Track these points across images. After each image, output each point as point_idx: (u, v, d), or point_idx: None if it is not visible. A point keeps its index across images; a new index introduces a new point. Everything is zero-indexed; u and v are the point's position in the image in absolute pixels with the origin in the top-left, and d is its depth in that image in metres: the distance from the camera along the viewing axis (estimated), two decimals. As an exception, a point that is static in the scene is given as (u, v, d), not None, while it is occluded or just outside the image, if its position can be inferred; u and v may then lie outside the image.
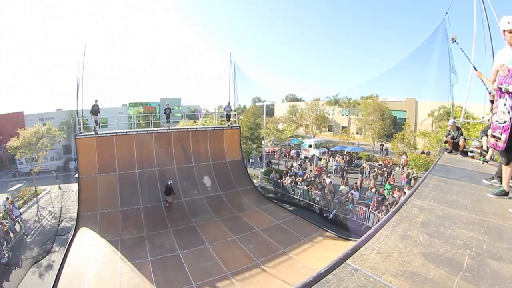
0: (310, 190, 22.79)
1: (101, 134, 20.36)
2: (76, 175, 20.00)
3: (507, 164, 4.88)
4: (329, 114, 58.32)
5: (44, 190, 29.91)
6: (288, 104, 64.42)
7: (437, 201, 4.73)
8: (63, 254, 13.86)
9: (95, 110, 19.59)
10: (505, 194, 4.91)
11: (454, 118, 14.92)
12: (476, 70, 7.35)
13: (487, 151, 8.54)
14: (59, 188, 30.45)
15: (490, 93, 6.89)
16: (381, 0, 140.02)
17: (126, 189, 18.81)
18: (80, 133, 19.84)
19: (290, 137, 41.26)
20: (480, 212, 4.30)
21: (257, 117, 47.64)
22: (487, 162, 8.27)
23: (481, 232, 3.54)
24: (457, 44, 8.29)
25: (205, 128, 25.18)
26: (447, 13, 12.91)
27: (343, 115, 57.86)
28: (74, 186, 25.41)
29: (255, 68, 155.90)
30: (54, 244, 18.29)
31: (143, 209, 18.13)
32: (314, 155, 36.72)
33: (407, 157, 29.80)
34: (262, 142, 37.00)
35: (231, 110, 25.44)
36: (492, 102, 7.51)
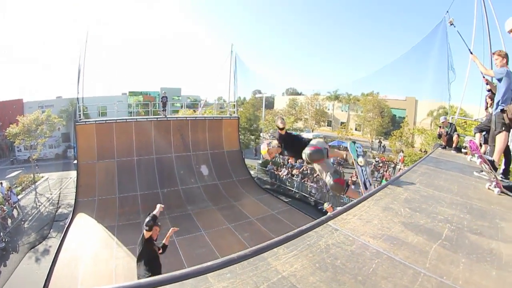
0: (305, 182, 22.97)
1: (101, 120, 20.51)
2: (75, 162, 20.09)
3: None
4: (328, 109, 58.33)
5: (43, 177, 29.94)
6: (288, 98, 64.32)
7: (423, 184, 4.83)
8: (60, 239, 14.03)
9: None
10: None
11: (446, 114, 15.13)
12: (471, 53, 7.59)
13: (480, 147, 8.68)
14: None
15: (484, 77, 7.27)
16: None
17: (124, 175, 18.95)
18: (80, 119, 19.89)
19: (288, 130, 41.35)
20: (465, 196, 4.38)
21: (257, 109, 47.70)
22: None
23: (463, 211, 3.64)
24: (454, 27, 8.45)
25: (204, 117, 25.29)
26: (447, 11, 13.01)
27: (342, 110, 57.83)
28: (73, 173, 25.47)
29: (256, 61, 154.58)
30: (51, 230, 18.47)
31: (140, 195, 18.26)
32: (311, 149, 36.70)
33: (403, 154, 29.89)
34: (261, 134, 37.08)
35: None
36: (489, 91, 7.85)
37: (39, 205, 22.96)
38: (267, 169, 27.90)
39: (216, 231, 15.08)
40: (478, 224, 3.27)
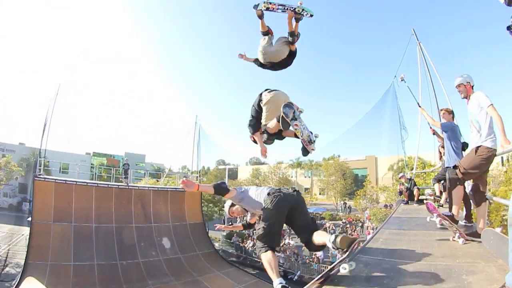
0: (273, 252, 22.50)
1: (61, 180, 19.44)
2: (29, 219, 18.80)
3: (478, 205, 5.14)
4: (291, 177, 59.12)
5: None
6: (251, 167, 64.90)
7: (385, 255, 4.70)
8: (4, 305, 12.70)
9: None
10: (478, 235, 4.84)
11: (410, 169, 15.98)
12: (420, 106, 8.38)
13: (440, 196, 9.11)
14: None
15: (431, 128, 8.15)
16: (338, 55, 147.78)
17: (81, 242, 17.43)
18: (40, 174, 18.84)
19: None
20: (428, 257, 4.28)
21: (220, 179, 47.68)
22: (441, 206, 8.76)
23: (427, 277, 3.47)
24: (405, 82, 9.17)
25: (167, 188, 24.78)
26: (395, 76, 14.06)
27: (305, 176, 58.88)
28: (25, 230, 23.63)
29: (219, 127, 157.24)
30: (-5, 291, 16.49)
31: (97, 266, 16.72)
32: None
33: (369, 213, 30.54)
34: (225, 205, 36.87)
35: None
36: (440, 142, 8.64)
37: (-16, 260, 20.78)
38: (232, 241, 27.31)
39: (180, 309, 14.16)
40: (443, 288, 3.17)
